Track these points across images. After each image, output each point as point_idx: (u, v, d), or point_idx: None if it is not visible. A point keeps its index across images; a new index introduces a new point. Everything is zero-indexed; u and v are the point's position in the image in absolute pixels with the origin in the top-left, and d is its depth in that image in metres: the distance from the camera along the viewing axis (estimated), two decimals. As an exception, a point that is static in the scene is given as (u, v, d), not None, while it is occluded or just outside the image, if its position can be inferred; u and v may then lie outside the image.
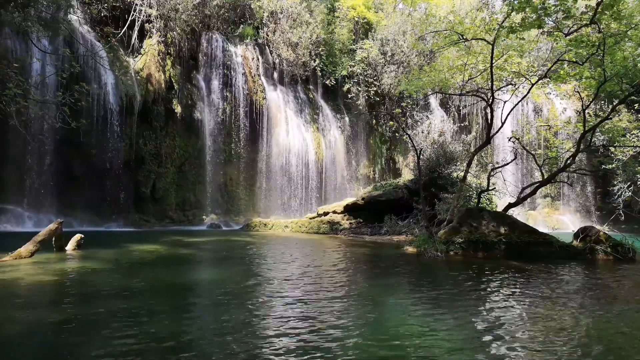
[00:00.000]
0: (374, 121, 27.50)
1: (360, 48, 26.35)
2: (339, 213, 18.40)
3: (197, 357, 3.43)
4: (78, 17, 17.96)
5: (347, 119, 26.62)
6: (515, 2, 10.36)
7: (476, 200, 13.94)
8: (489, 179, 13.82)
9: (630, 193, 19.92)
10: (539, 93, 17.11)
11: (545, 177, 13.38)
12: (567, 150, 16.30)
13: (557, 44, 12.98)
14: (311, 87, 26.23)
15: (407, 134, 16.26)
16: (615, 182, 20.82)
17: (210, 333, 4.00)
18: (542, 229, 13.80)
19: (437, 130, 20.74)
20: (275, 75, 24.52)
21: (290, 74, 24.66)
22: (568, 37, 11.19)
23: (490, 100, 12.78)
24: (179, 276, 6.95)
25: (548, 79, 12.90)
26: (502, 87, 13.95)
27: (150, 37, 20.29)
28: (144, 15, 19.81)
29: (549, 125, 23.85)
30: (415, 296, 5.82)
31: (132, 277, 6.71)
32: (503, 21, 11.32)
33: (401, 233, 15.34)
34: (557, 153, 16.33)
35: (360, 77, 26.17)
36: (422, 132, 20.70)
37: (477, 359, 3.50)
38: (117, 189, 18.28)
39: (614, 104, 12.74)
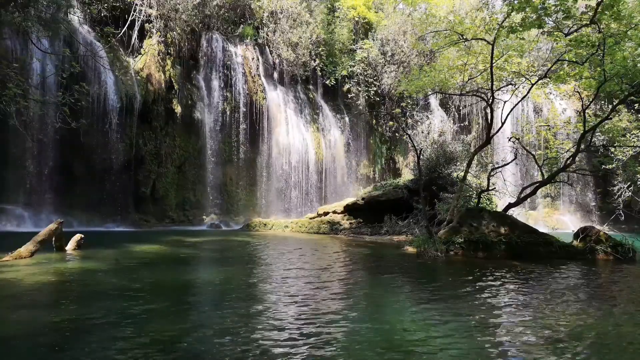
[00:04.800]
0: (374, 121, 27.50)
1: (360, 48, 26.35)
2: (339, 213, 18.40)
3: (197, 357, 3.43)
4: (78, 17, 17.95)
5: (347, 119, 26.62)
6: (515, 2, 10.37)
7: (476, 200, 13.93)
8: (489, 179, 13.81)
9: (630, 193, 19.89)
10: (539, 93, 17.07)
11: (545, 177, 13.38)
12: (567, 151, 16.28)
13: (557, 44, 12.97)
14: (311, 87, 26.23)
15: (407, 134, 16.25)
16: (615, 182, 20.80)
17: (211, 334, 4.00)
18: (542, 229, 13.79)
19: (437, 130, 20.75)
20: (275, 75, 24.52)
21: (290, 74, 24.66)
22: (568, 37, 11.18)
23: (490, 100, 12.78)
24: (179, 276, 6.95)
25: (548, 79, 12.90)
26: (502, 87, 13.94)
27: (150, 37, 20.29)
28: (144, 15, 19.81)
29: (548, 126, 23.84)
30: (415, 296, 5.82)
31: (132, 278, 6.71)
32: (503, 21, 11.32)
33: (401, 233, 15.34)
34: (557, 153, 16.32)
35: (360, 77, 26.17)
36: (422, 132, 20.70)
37: (477, 359, 3.49)
38: (117, 189, 18.28)
39: (614, 104, 12.73)
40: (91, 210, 17.51)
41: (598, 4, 10.13)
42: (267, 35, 24.02)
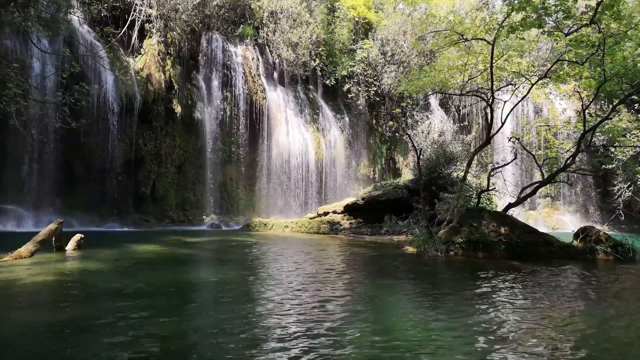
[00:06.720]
0: (374, 121, 27.51)
1: (360, 48, 26.35)
2: (339, 213, 18.39)
3: (196, 357, 3.43)
4: (78, 17, 17.94)
5: (347, 119, 26.62)
6: (515, 2, 10.37)
7: (476, 200, 13.93)
8: (489, 179, 13.81)
9: (630, 193, 19.89)
10: (539, 93, 17.06)
11: (545, 177, 13.38)
12: (567, 151, 16.28)
13: (557, 44, 12.97)
14: (311, 87, 26.23)
15: (407, 134, 16.24)
16: (615, 182, 20.80)
17: (211, 334, 4.00)
18: (542, 229, 13.78)
19: (437, 130, 20.75)
20: (275, 75, 24.52)
21: (290, 74, 24.66)
22: (568, 37, 11.18)
23: (490, 100, 12.78)
24: (179, 277, 6.95)
25: (548, 79, 12.90)
26: (502, 87, 13.94)
27: (150, 37, 20.29)
28: (144, 15, 19.81)
29: (548, 126, 23.82)
30: (415, 296, 5.82)
31: (132, 278, 6.71)
32: (503, 21, 11.31)
33: (401, 233, 15.34)
34: (557, 153, 16.32)
35: (360, 77, 26.17)
36: (422, 132, 20.71)
37: (476, 359, 3.49)
38: (117, 189, 18.28)
39: (614, 104, 12.73)
40: (91, 210, 17.51)
41: (598, 4, 10.13)
42: (267, 35, 24.02)
